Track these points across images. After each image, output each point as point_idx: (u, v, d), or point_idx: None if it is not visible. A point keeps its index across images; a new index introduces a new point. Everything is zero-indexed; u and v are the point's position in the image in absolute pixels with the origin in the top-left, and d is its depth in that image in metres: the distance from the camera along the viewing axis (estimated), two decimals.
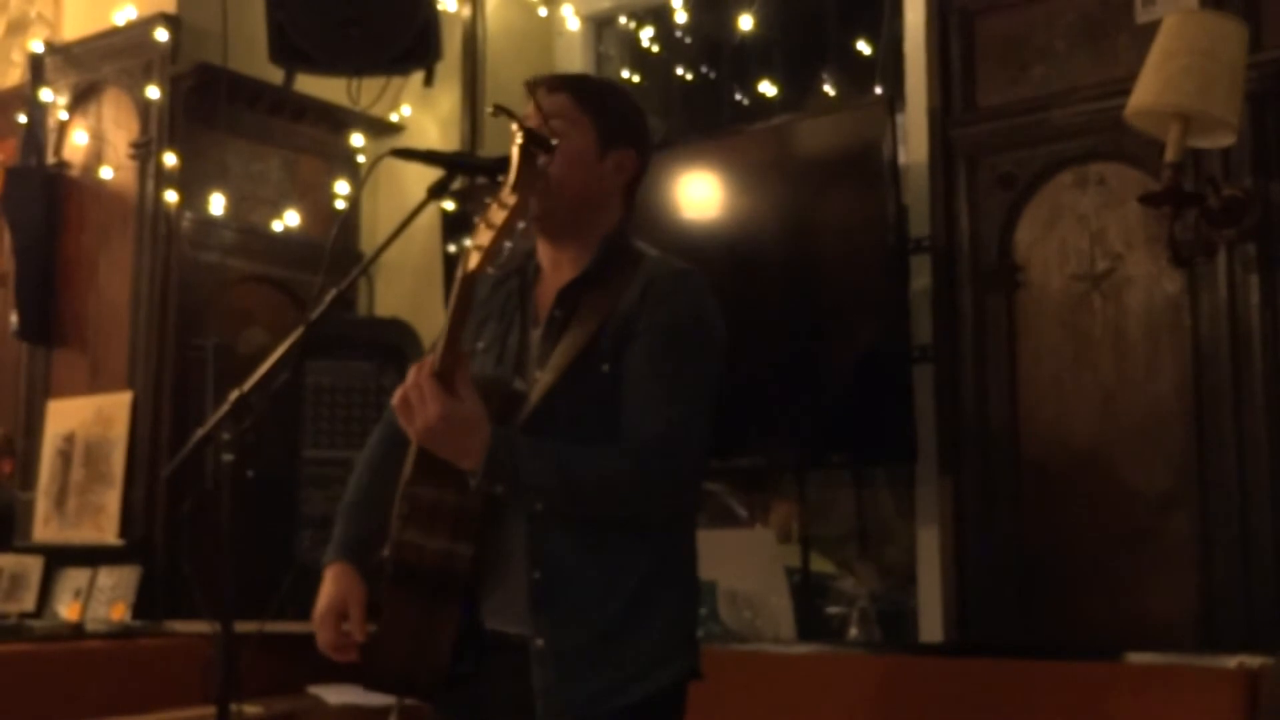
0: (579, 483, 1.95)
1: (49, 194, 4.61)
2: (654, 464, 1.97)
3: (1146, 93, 2.71)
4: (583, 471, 1.95)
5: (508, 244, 1.89)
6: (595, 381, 2.01)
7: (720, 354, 2.09)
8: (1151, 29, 2.80)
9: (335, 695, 3.61)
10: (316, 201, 4.65)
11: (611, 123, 2.14)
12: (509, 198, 1.86)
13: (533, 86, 2.13)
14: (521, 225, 1.90)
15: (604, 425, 1.99)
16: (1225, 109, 2.65)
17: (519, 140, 1.92)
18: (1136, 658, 2.72)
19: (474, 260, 1.86)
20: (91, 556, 4.22)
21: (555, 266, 2.15)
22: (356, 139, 4.65)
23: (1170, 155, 2.67)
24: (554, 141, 2.02)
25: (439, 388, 1.88)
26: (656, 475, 1.98)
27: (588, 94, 2.15)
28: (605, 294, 2.06)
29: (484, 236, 1.86)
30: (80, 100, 4.64)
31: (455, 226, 4.23)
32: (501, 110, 2.03)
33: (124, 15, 4.48)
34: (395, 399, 1.92)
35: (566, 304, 2.09)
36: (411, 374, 1.91)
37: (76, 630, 3.98)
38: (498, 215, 1.86)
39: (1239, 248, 2.87)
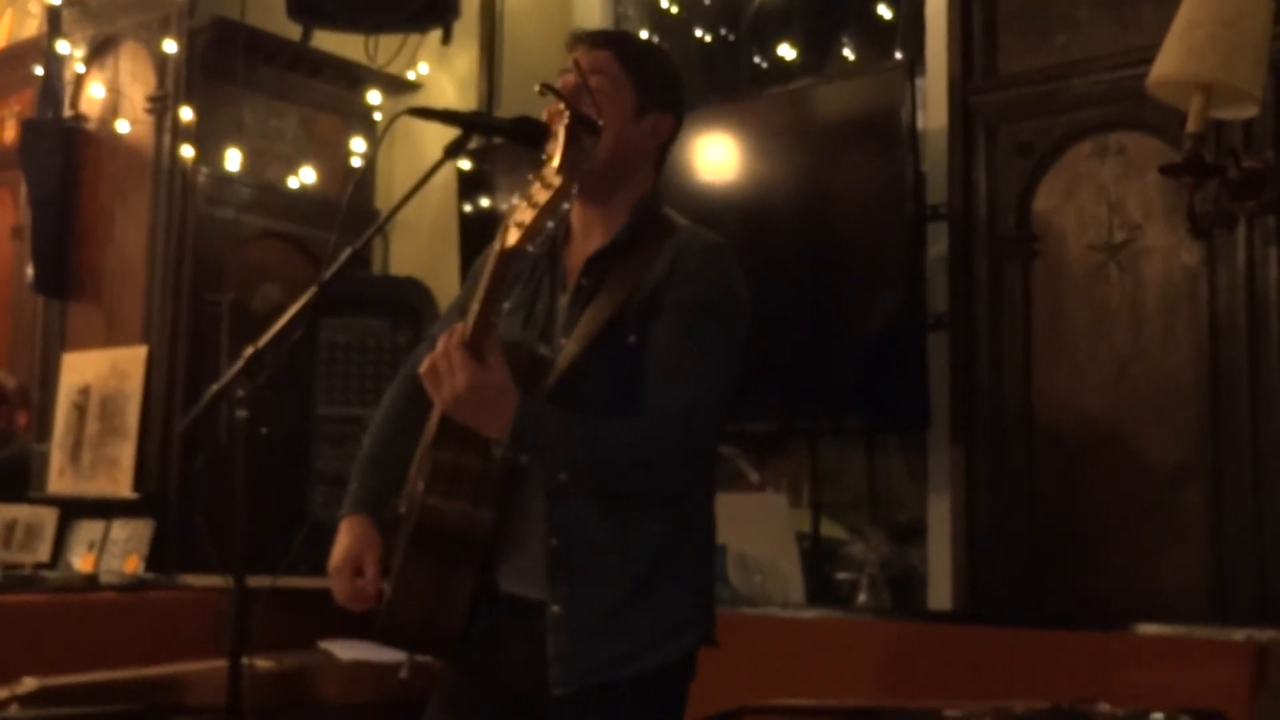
0: (602, 456, 1.96)
1: (65, 147, 4.62)
2: (674, 439, 1.97)
3: (1169, 63, 2.68)
4: (606, 445, 1.95)
5: (549, 224, 1.86)
6: (621, 352, 2.00)
7: (744, 330, 2.08)
8: None
9: (346, 650, 3.64)
10: (333, 158, 4.64)
11: (652, 84, 2.13)
12: (554, 178, 1.83)
13: (575, 41, 2.12)
14: (566, 206, 1.87)
15: (628, 395, 1.99)
16: (1249, 80, 2.62)
17: (566, 121, 1.88)
18: (1146, 629, 2.73)
19: (513, 237, 1.84)
20: (106, 509, 4.25)
21: (586, 231, 2.14)
22: (373, 96, 4.64)
23: (1192, 126, 2.64)
24: (600, 123, 2.00)
25: (468, 357, 1.88)
26: (676, 450, 1.99)
27: (631, 53, 2.14)
28: (634, 264, 2.05)
29: (525, 214, 1.83)
30: (97, 53, 4.63)
31: (471, 185, 4.22)
32: (548, 89, 2.01)
33: None
34: (423, 367, 1.92)
35: (595, 272, 2.08)
36: (441, 343, 1.91)
37: (90, 582, 4.01)
38: (541, 194, 1.82)
39: (1259, 220, 2.85)
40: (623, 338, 2.01)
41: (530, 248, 1.90)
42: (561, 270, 2.15)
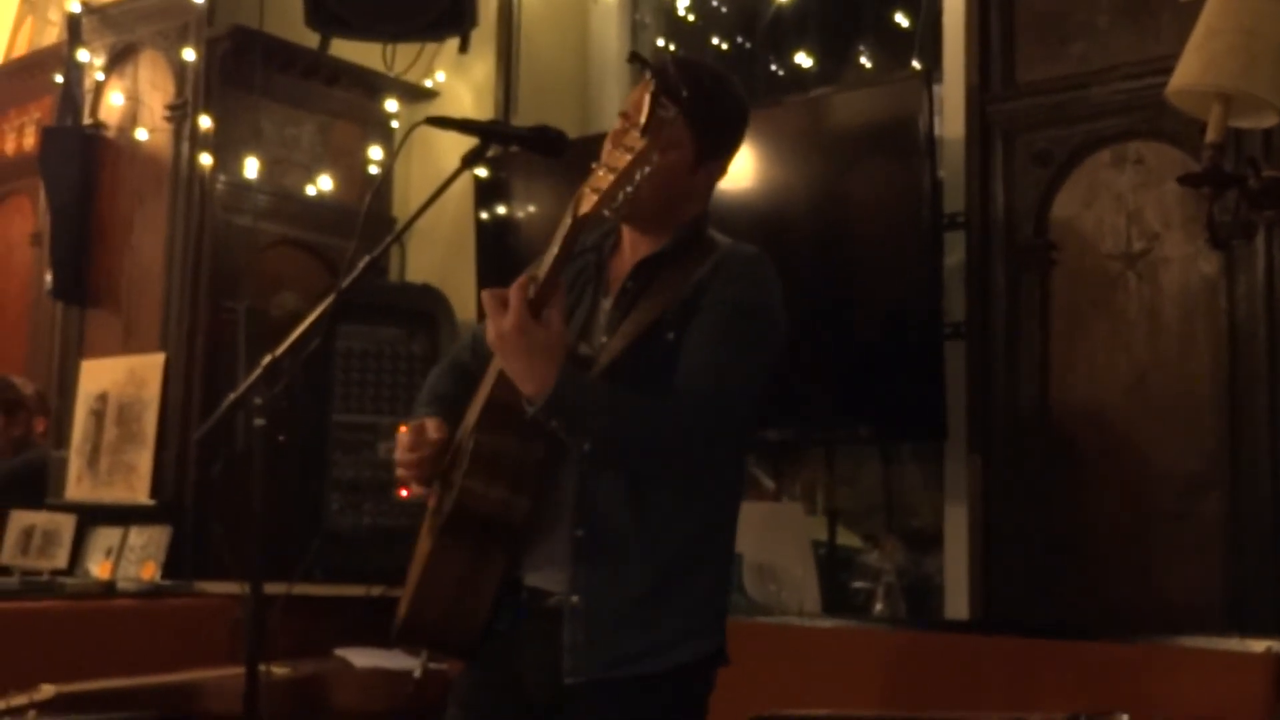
0: (627, 423, 1.96)
1: (85, 154, 4.64)
2: (699, 417, 1.97)
3: (1188, 72, 2.67)
4: (632, 412, 1.96)
5: (628, 189, 1.81)
6: (660, 350, 2.02)
7: (778, 340, 2.09)
8: (1194, 7, 2.75)
9: (361, 658, 3.64)
10: (350, 166, 4.65)
11: (712, 139, 2.13)
12: (636, 142, 1.81)
13: (647, 81, 2.08)
14: (647, 170, 1.84)
15: (664, 391, 2.00)
16: (1269, 89, 2.60)
17: (651, 89, 1.86)
18: (1163, 640, 2.72)
19: (588, 203, 1.82)
20: (123, 515, 4.26)
21: (635, 245, 2.17)
22: (391, 104, 4.65)
23: (1211, 135, 2.63)
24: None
25: (524, 305, 1.88)
26: (698, 427, 1.99)
27: (698, 107, 2.07)
28: (678, 271, 2.08)
29: (603, 180, 1.81)
30: (117, 61, 4.65)
31: (488, 194, 4.23)
32: (637, 57, 2.03)
33: None
34: (488, 293, 1.93)
35: (641, 277, 2.11)
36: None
37: (108, 588, 4.02)
38: (621, 159, 1.81)
39: (1278, 230, 2.84)
40: (663, 335, 2.03)
41: (608, 212, 1.86)
42: (606, 277, 2.17)
